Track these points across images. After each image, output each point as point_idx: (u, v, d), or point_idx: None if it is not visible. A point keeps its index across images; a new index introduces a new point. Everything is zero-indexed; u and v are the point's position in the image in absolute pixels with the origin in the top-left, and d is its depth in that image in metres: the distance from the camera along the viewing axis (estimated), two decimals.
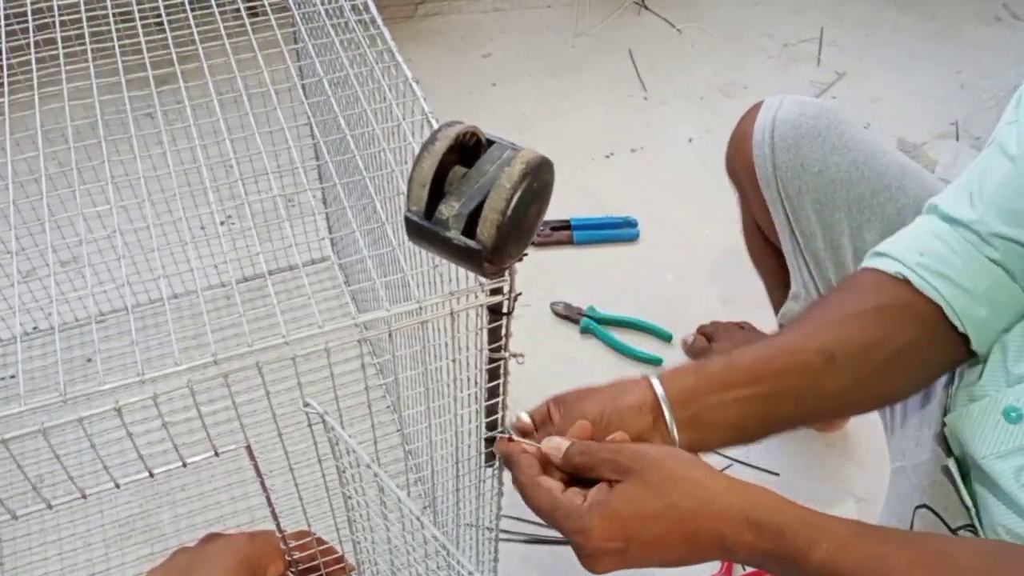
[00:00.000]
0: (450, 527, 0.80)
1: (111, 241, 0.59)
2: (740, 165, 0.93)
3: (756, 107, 0.92)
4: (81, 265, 0.55)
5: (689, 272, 1.43)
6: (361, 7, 0.69)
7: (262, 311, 0.51)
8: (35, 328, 1.32)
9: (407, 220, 0.43)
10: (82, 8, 0.78)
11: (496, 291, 0.51)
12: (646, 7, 2.03)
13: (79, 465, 1.13)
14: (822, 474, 1.19)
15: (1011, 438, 0.61)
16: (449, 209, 0.42)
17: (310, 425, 0.49)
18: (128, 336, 0.47)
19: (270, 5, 0.74)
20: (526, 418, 0.61)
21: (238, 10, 0.76)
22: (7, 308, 1.23)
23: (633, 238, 1.48)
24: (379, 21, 0.66)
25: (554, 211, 1.55)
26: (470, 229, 0.42)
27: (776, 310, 1.03)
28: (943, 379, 0.73)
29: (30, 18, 0.79)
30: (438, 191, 0.43)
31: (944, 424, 0.69)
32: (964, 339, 0.62)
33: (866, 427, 1.23)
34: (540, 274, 1.44)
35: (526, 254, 0.48)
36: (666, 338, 1.32)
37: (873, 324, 0.62)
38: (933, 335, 0.62)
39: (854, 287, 0.65)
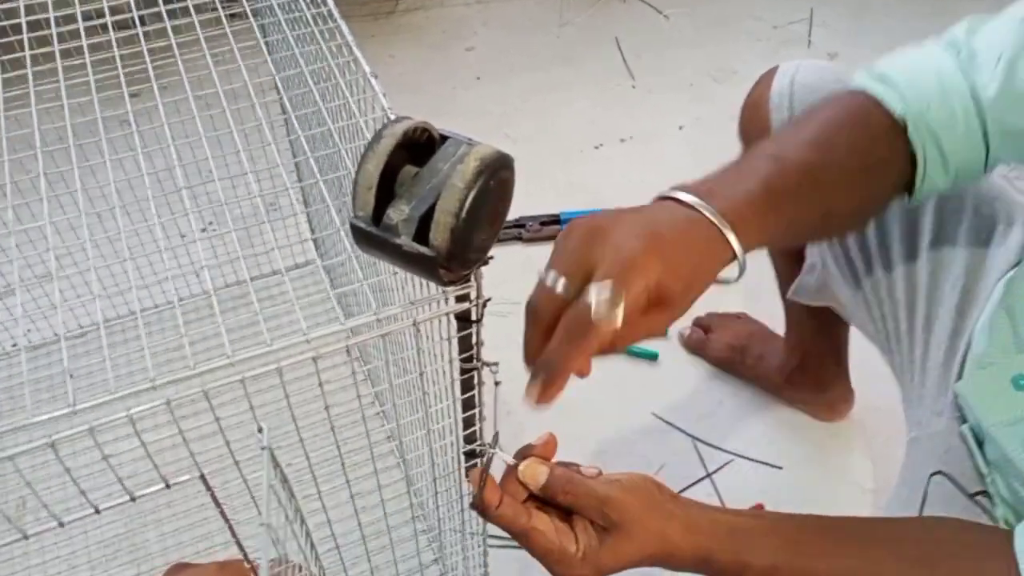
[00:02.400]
0: (443, 531, 0.77)
1: (86, 254, 0.56)
2: (756, 131, 0.88)
3: (770, 73, 0.88)
4: (54, 280, 0.51)
5: None
6: (326, 15, 0.65)
7: (210, 329, 0.47)
8: (14, 345, 1.28)
9: (353, 227, 0.39)
10: (50, 9, 0.74)
11: (463, 298, 0.48)
12: None
13: (63, 486, 1.10)
14: (826, 465, 1.15)
15: (1019, 406, 0.59)
16: (398, 213, 0.38)
17: (264, 449, 0.45)
18: (113, 350, 0.44)
19: (225, 8, 0.70)
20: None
21: (216, 18, 0.72)
22: None
23: None
24: (336, 14, 0.62)
25: (543, 205, 1.53)
26: (422, 234, 0.38)
27: (784, 288, 0.98)
28: (962, 347, 0.70)
29: None
30: (387, 194, 0.39)
31: (954, 386, 0.67)
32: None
33: (871, 415, 1.19)
34: (530, 271, 1.39)
35: (490, 257, 0.44)
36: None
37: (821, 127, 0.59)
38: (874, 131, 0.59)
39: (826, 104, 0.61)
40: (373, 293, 0.45)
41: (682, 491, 1.12)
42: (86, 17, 0.72)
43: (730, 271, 0.53)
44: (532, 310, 0.48)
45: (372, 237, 0.39)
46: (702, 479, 1.13)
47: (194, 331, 1.15)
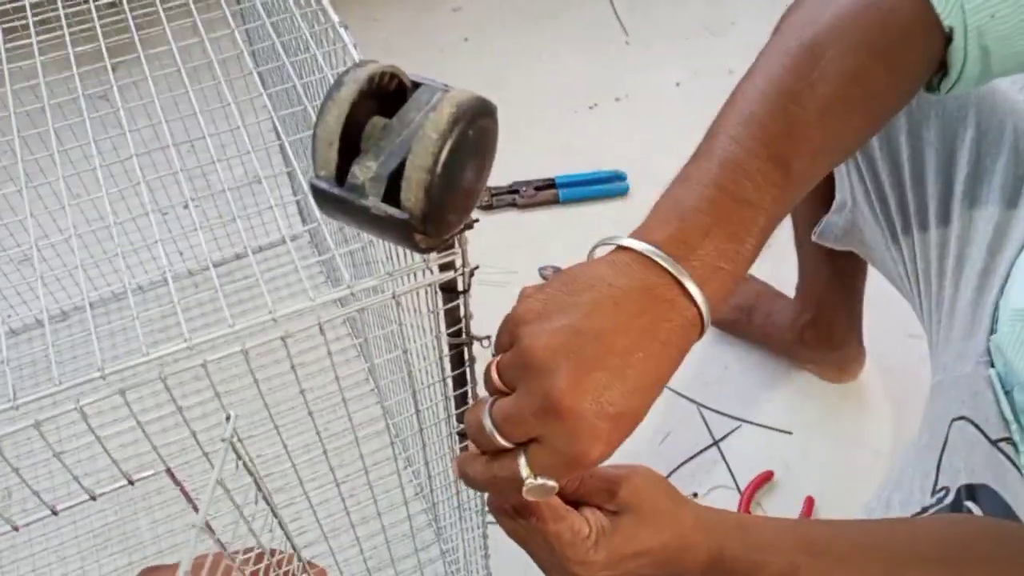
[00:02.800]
0: (440, 512, 0.73)
1: (70, 233, 0.51)
2: None
3: None
4: (36, 261, 0.47)
5: None
6: None
7: (168, 310, 0.43)
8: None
9: (313, 188, 0.34)
10: None
11: (447, 267, 0.43)
12: None
13: (49, 475, 1.06)
14: (837, 429, 1.11)
15: None
16: (364, 171, 0.34)
17: (231, 442, 0.41)
18: (102, 329, 0.39)
19: None
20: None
21: None
22: None
23: (623, 192, 1.39)
24: None
25: (538, 169, 1.47)
26: (393, 194, 0.34)
27: (802, 233, 0.93)
28: (994, 291, 0.66)
29: None
30: (353, 150, 0.34)
31: (989, 339, 0.63)
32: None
33: (882, 376, 1.15)
34: (526, 238, 1.35)
35: (475, 220, 0.40)
36: None
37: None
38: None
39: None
40: (347, 265, 0.40)
41: (689, 459, 1.09)
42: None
43: None
44: (470, 435, 0.43)
45: (336, 199, 0.34)
46: (709, 447, 1.10)
47: (154, 312, 1.10)
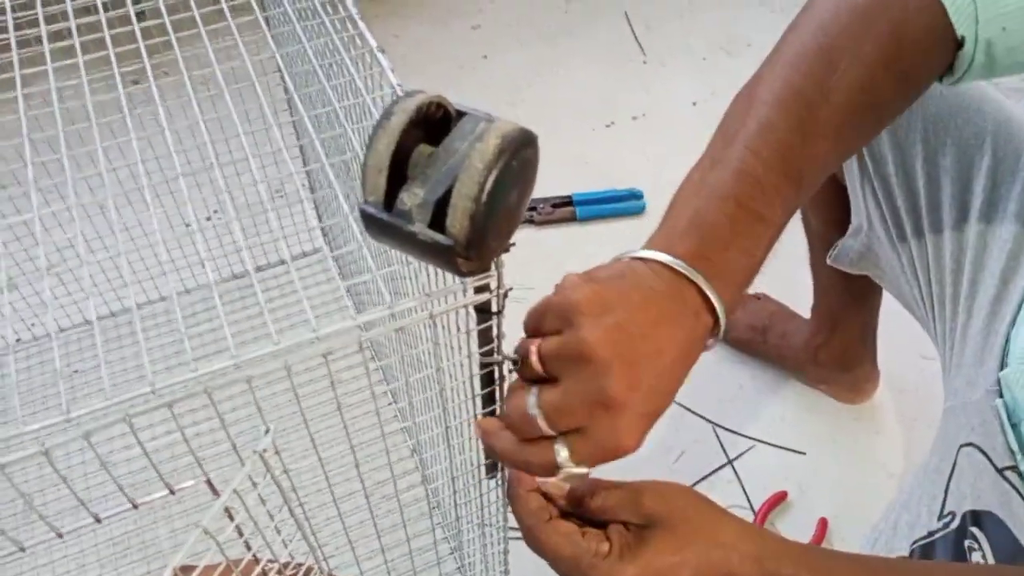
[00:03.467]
0: (462, 528, 0.74)
1: (82, 249, 0.53)
2: None
3: None
4: (60, 272, 0.48)
5: None
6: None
7: (211, 326, 0.44)
8: (18, 340, 1.26)
9: (363, 213, 0.36)
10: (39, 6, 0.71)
11: (482, 288, 0.44)
12: None
13: (57, 500, 1.07)
14: (851, 450, 1.12)
15: None
16: (412, 198, 0.35)
17: (261, 454, 0.42)
18: (128, 339, 0.41)
19: None
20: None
21: None
22: None
23: (639, 211, 1.40)
24: None
25: (555, 187, 1.49)
26: (439, 220, 0.35)
27: (820, 255, 0.94)
28: (1007, 320, 0.66)
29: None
30: (399, 177, 0.36)
31: (1000, 372, 0.64)
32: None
33: (896, 397, 1.16)
34: (543, 255, 1.36)
35: (512, 244, 0.41)
36: None
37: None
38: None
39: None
40: (386, 284, 0.41)
41: (703, 478, 1.09)
42: (82, 7, 0.68)
43: None
44: (508, 423, 0.45)
45: (384, 224, 0.35)
46: (723, 466, 1.10)
47: (202, 325, 1.12)
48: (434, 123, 0.38)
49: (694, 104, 1.60)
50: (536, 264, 1.34)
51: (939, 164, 0.75)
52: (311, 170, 1.02)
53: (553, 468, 0.43)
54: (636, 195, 1.41)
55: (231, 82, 0.59)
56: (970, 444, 0.65)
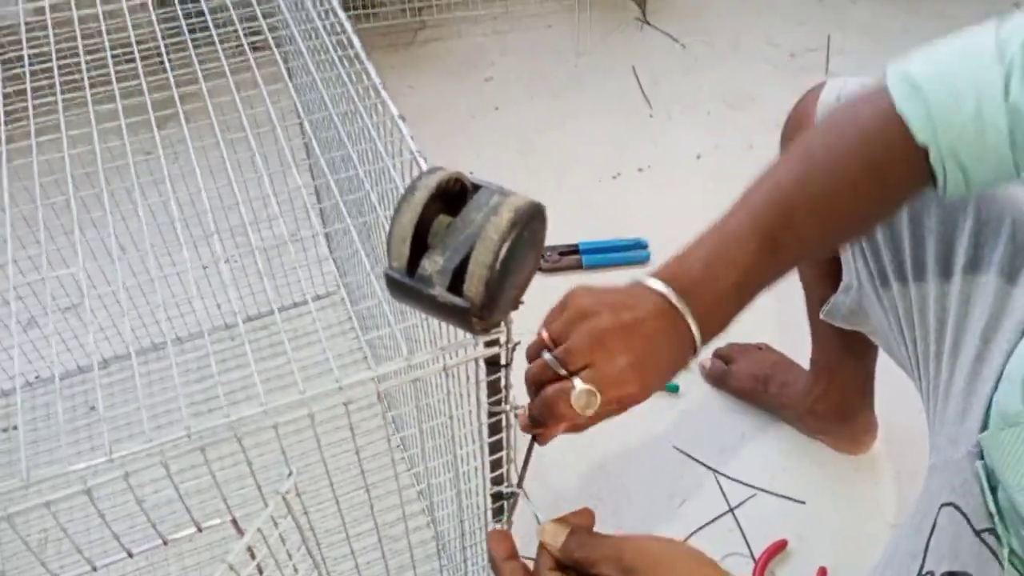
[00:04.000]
0: (468, 569, 0.76)
1: (112, 287, 0.57)
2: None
3: (816, 89, 0.88)
4: (81, 311, 0.52)
5: None
6: (346, 42, 0.66)
7: (235, 374, 0.48)
8: (37, 377, 1.29)
9: (387, 278, 0.40)
10: (82, 55, 0.76)
11: (492, 343, 0.48)
12: (647, 22, 2.00)
13: (87, 531, 1.09)
14: (851, 500, 1.14)
15: None
16: (432, 264, 0.39)
17: (283, 496, 0.45)
18: (133, 381, 0.45)
19: (250, 45, 0.71)
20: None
21: (239, 46, 0.73)
22: (7, 358, 1.20)
23: (644, 260, 1.44)
24: (363, 56, 0.63)
25: (562, 235, 1.53)
26: (456, 285, 0.39)
27: (815, 310, 0.97)
28: (988, 381, 0.69)
29: (26, 63, 0.77)
30: (421, 244, 0.40)
31: (980, 434, 0.66)
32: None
33: (895, 447, 1.18)
34: (548, 302, 1.40)
35: (521, 303, 0.44)
36: None
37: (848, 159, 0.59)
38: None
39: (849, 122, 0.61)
40: (404, 339, 0.45)
41: (705, 525, 1.11)
42: (113, 51, 0.73)
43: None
44: (529, 376, 0.54)
45: (407, 288, 0.39)
46: (724, 514, 1.12)
47: (223, 370, 1.15)
48: (452, 195, 0.42)
49: (698, 157, 1.65)
50: (541, 310, 1.38)
51: (924, 224, 0.78)
52: (331, 231, 1.06)
53: (567, 393, 0.50)
54: (641, 244, 1.45)
55: (257, 144, 0.63)
56: (951, 504, 0.67)
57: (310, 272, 1.28)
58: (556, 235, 1.56)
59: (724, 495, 1.14)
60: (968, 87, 0.56)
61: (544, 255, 1.45)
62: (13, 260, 0.62)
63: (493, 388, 0.50)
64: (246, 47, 0.72)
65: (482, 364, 0.50)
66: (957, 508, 0.65)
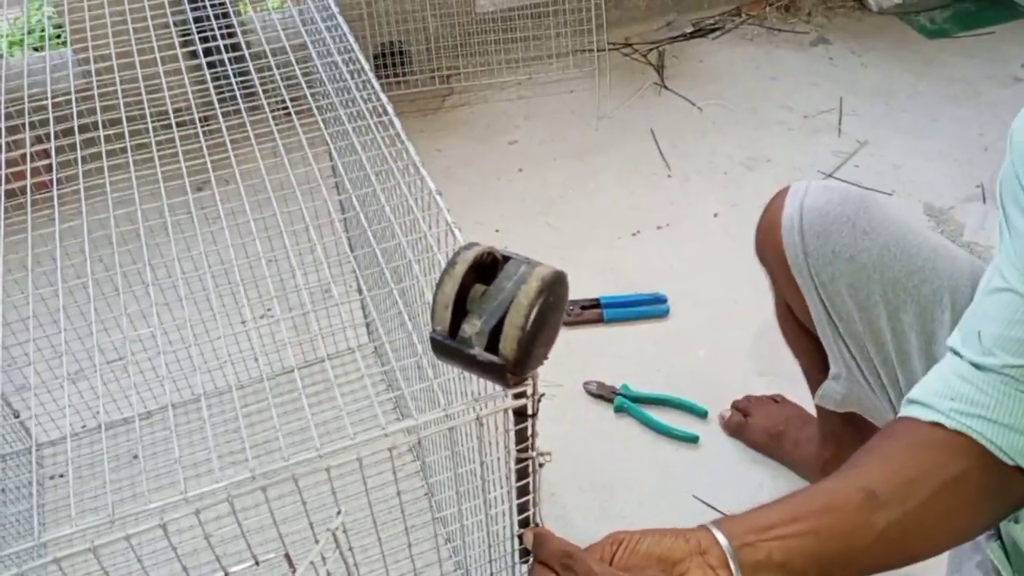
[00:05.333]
0: None
1: (155, 340, 0.63)
2: (771, 253, 0.93)
3: (782, 194, 0.93)
4: (125, 364, 0.59)
5: (721, 346, 1.44)
6: (387, 123, 0.74)
7: (296, 424, 0.54)
8: (83, 427, 1.36)
9: (432, 340, 0.46)
10: (123, 123, 0.84)
11: (520, 395, 0.53)
12: (666, 87, 2.09)
13: (153, 567, 1.14)
14: None
15: None
16: (472, 327, 0.45)
17: (333, 532, 0.51)
18: (171, 431, 0.50)
19: (299, 115, 0.79)
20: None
21: (271, 119, 0.82)
22: (56, 408, 1.27)
23: (663, 314, 1.49)
24: (403, 136, 0.70)
25: (583, 290, 1.59)
26: (492, 345, 0.45)
27: (813, 389, 1.02)
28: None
29: (76, 134, 0.85)
30: (460, 310, 0.46)
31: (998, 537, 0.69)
32: (1021, 469, 0.60)
33: None
34: (571, 354, 1.45)
35: (547, 358, 0.50)
36: (701, 414, 1.32)
37: (911, 460, 0.61)
38: (984, 468, 0.60)
39: (890, 433, 0.65)
40: (441, 391, 0.51)
41: None
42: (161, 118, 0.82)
43: None
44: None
45: (449, 349, 0.45)
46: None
47: (281, 420, 1.22)
48: (485, 266, 0.48)
49: (715, 215, 1.71)
50: (565, 362, 1.43)
51: (902, 320, 0.83)
52: (371, 297, 1.14)
53: None
54: (660, 299, 1.51)
55: (296, 221, 0.70)
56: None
57: (345, 334, 1.35)
58: (578, 290, 1.63)
59: None
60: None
61: (568, 310, 1.51)
62: (64, 311, 0.69)
63: (520, 436, 0.56)
64: (292, 112, 0.80)
65: (511, 414, 0.56)
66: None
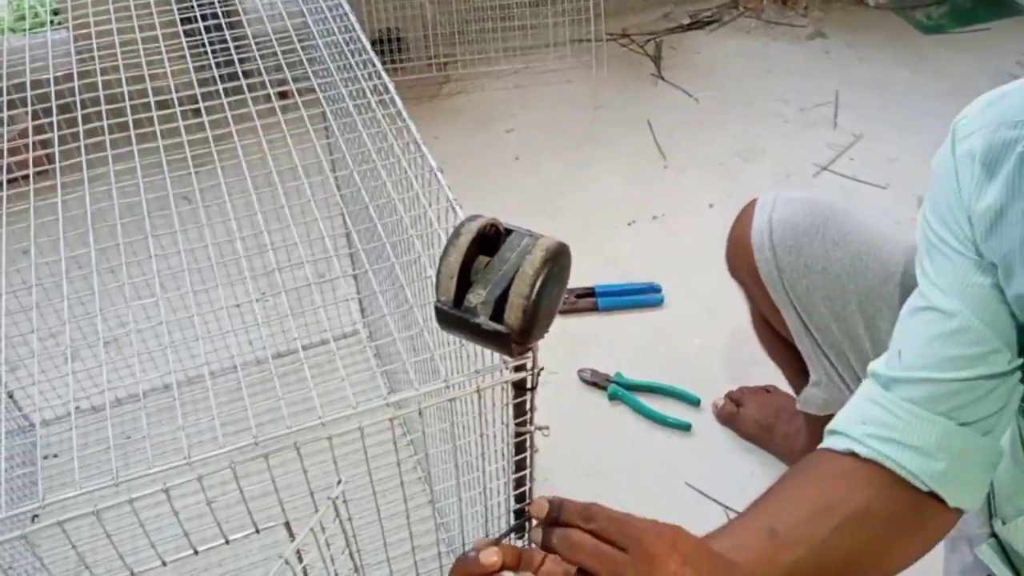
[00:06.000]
0: None
1: (152, 320, 0.64)
2: (743, 268, 0.94)
3: (749, 209, 0.94)
4: (124, 344, 0.59)
5: (715, 335, 1.45)
6: (388, 101, 0.74)
7: (298, 394, 0.54)
8: (78, 408, 1.36)
9: (437, 310, 0.46)
10: (127, 103, 0.84)
11: (520, 367, 0.54)
12: (663, 78, 2.09)
13: (120, 542, 1.15)
14: None
15: None
16: (477, 297, 0.45)
17: (333, 501, 0.51)
18: (167, 413, 0.51)
19: (299, 93, 0.79)
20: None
21: (270, 97, 0.82)
22: (51, 389, 1.27)
23: (658, 303, 1.50)
24: (405, 115, 0.70)
25: (578, 279, 1.60)
26: (497, 314, 0.45)
27: (796, 392, 1.03)
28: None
29: (79, 113, 0.85)
30: (464, 281, 0.46)
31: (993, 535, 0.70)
32: (938, 497, 0.59)
33: None
34: (566, 342, 1.46)
35: (548, 330, 0.51)
36: (694, 402, 1.33)
37: (818, 494, 0.60)
38: (894, 497, 0.59)
39: (803, 466, 0.64)
40: (442, 363, 0.51)
41: None
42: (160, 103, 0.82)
43: None
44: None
45: (454, 318, 0.46)
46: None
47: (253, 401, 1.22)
48: (489, 238, 0.48)
49: (711, 206, 1.72)
50: (559, 350, 1.44)
51: (880, 327, 0.84)
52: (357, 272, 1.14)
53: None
54: (655, 288, 1.51)
55: (291, 189, 0.70)
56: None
57: (337, 311, 1.35)
58: (573, 279, 1.62)
59: None
60: None
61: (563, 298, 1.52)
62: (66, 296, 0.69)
63: (519, 410, 0.56)
64: (295, 94, 0.80)
65: (510, 388, 0.56)
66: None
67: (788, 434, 1.22)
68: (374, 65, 0.79)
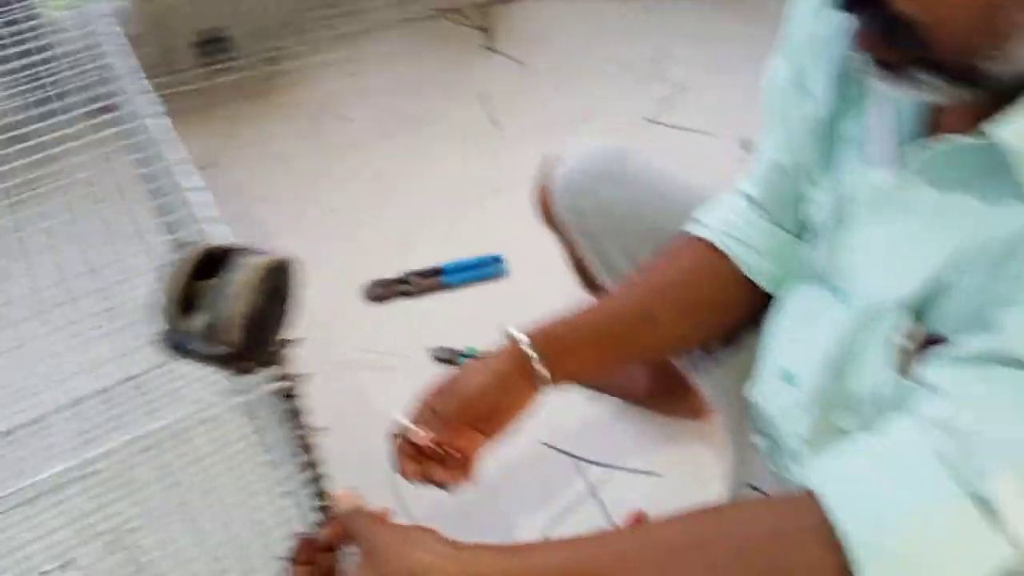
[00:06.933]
0: None
1: None
2: (550, 219, 1.02)
3: (550, 162, 1.01)
4: None
5: (559, 303, 1.50)
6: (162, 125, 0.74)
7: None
8: None
9: (162, 340, 0.48)
10: None
11: (277, 377, 0.56)
12: (495, 50, 2.12)
13: None
14: (701, 469, 1.26)
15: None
16: (199, 321, 0.48)
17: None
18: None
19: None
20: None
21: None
22: None
23: (502, 274, 1.55)
24: (156, 139, 0.71)
25: (425, 259, 1.61)
26: (219, 336, 0.48)
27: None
28: None
29: None
30: (189, 306, 0.49)
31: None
32: (756, 287, 0.79)
33: None
34: (415, 323, 1.49)
35: (290, 342, 0.53)
36: None
37: (687, 284, 0.80)
38: (734, 284, 0.79)
39: (672, 253, 0.82)
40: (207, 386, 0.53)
41: (568, 509, 1.21)
42: None
43: None
44: None
45: (176, 346, 0.48)
46: (586, 496, 1.23)
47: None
48: (218, 260, 0.51)
49: None
50: (408, 333, 1.46)
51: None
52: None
53: None
54: (497, 260, 1.56)
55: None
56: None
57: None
58: (420, 259, 1.65)
59: (584, 478, 1.25)
60: None
61: (409, 280, 1.54)
62: None
63: (292, 416, 0.59)
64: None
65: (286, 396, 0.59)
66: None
67: (625, 377, 1.30)
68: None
